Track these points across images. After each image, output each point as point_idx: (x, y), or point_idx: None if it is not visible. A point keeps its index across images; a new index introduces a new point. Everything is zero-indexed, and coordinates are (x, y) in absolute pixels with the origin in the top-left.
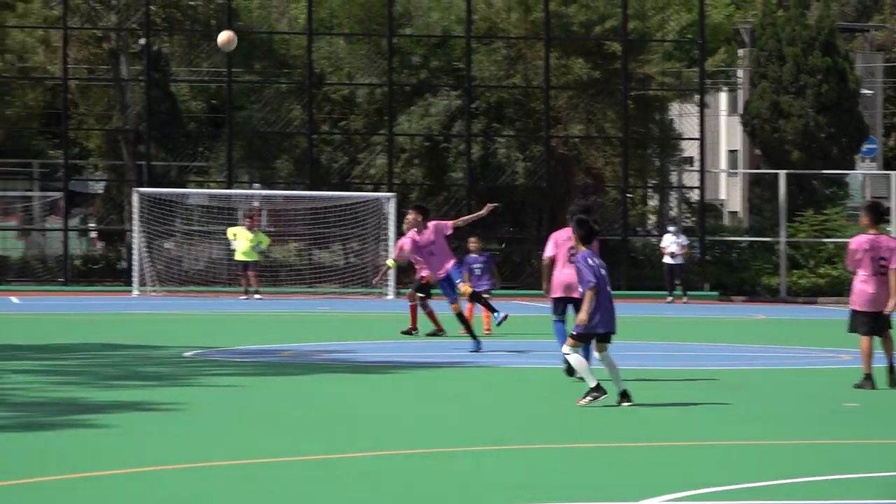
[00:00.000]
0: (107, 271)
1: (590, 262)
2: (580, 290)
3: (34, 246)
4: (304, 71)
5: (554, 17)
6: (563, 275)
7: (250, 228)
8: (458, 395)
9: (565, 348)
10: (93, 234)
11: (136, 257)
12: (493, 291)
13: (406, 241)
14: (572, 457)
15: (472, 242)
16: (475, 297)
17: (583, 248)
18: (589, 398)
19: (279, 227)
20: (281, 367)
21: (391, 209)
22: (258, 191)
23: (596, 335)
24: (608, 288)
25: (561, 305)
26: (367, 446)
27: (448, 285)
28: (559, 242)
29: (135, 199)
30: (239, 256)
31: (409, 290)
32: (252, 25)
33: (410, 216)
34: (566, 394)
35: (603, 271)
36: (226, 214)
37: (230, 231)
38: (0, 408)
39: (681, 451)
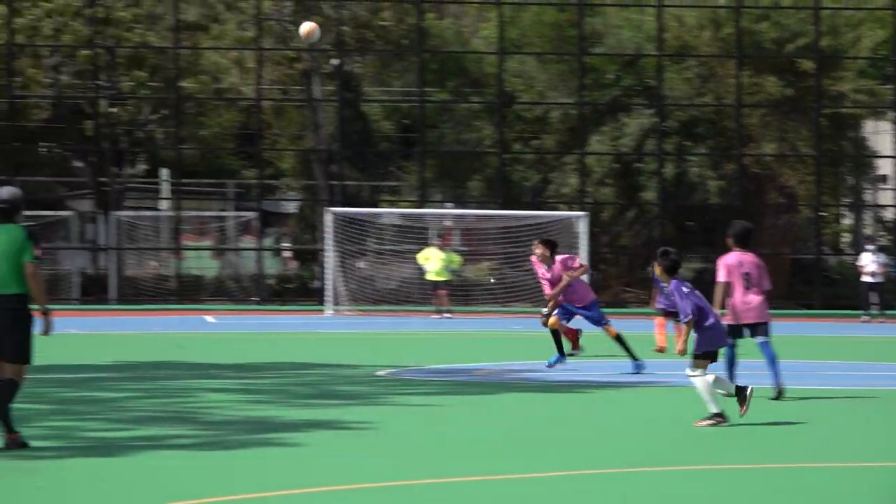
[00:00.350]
0: (300, 290)
1: (684, 289)
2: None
3: (228, 265)
4: (496, 90)
5: (745, 34)
6: (741, 301)
7: (442, 248)
8: (658, 417)
9: (688, 370)
10: (286, 254)
11: (329, 276)
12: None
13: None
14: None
15: (657, 265)
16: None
17: (671, 280)
18: (709, 422)
19: (471, 246)
20: (473, 386)
21: (583, 228)
22: (450, 210)
23: (714, 353)
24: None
25: (737, 330)
26: (560, 465)
27: (592, 312)
28: (731, 268)
29: (328, 218)
30: (431, 276)
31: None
32: (443, 44)
33: (539, 250)
34: (755, 414)
35: (697, 295)
36: (417, 233)
37: (420, 256)
38: (195, 426)
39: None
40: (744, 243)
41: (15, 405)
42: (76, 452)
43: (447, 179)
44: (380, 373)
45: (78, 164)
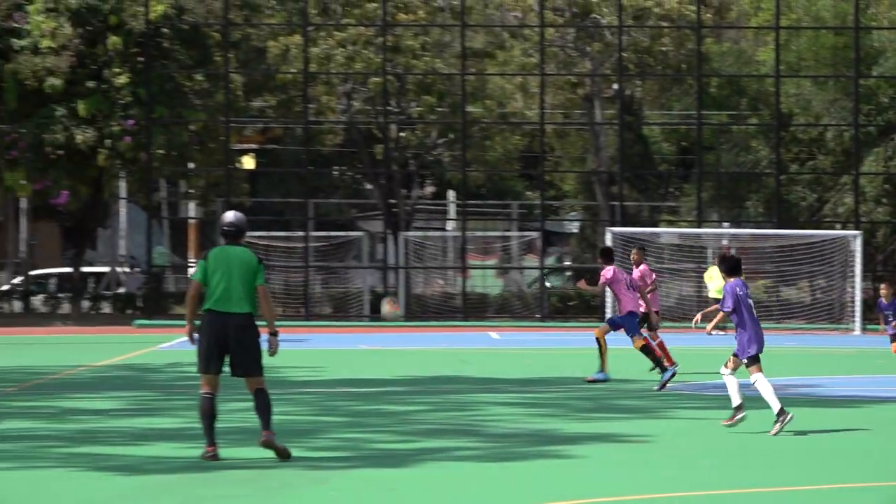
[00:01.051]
0: (582, 308)
1: (738, 291)
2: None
3: (512, 283)
4: (772, 112)
5: None
6: None
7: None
8: None
9: (723, 370)
10: (568, 272)
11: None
12: None
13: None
14: None
15: (883, 289)
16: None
17: (730, 279)
18: (778, 426)
19: (747, 265)
20: (750, 400)
21: (857, 247)
22: (726, 230)
23: (749, 357)
24: (754, 313)
25: None
26: (833, 478)
27: (633, 321)
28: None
29: (608, 237)
30: (712, 294)
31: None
32: (722, 68)
33: (636, 255)
34: None
35: (750, 300)
36: (696, 253)
37: (707, 274)
38: (478, 438)
39: None
40: None
41: (307, 418)
42: (366, 463)
43: (724, 200)
44: (658, 388)
45: (369, 186)
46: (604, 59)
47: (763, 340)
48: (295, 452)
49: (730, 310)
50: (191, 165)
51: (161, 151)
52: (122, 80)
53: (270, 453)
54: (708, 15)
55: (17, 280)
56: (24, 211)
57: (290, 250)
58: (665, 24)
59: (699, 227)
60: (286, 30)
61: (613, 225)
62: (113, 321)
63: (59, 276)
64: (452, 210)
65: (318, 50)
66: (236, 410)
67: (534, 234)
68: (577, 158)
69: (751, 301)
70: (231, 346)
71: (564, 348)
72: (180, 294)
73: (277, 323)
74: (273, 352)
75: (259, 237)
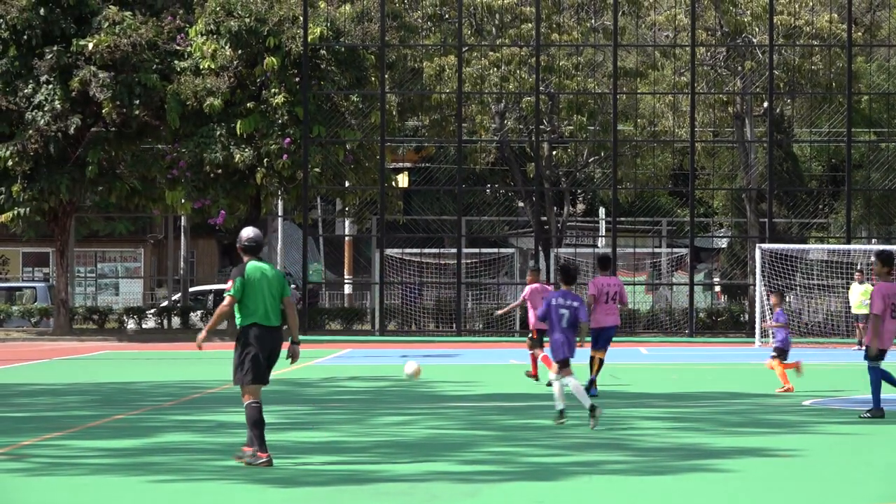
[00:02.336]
0: (730, 323)
1: (553, 301)
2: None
3: (661, 299)
4: None
5: None
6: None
7: (861, 282)
8: None
9: (551, 375)
10: (717, 288)
11: (758, 310)
12: None
13: None
14: None
15: None
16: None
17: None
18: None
19: None
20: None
21: None
22: (874, 246)
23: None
24: (563, 322)
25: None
26: None
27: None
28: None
29: (757, 254)
30: (854, 310)
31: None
32: (872, 86)
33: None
34: None
35: (562, 311)
36: (845, 269)
37: (850, 291)
38: (628, 452)
39: None
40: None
41: (458, 432)
42: (516, 476)
43: (874, 217)
44: (805, 402)
45: (520, 204)
46: (754, 78)
47: (564, 347)
48: (446, 466)
49: (542, 317)
50: (346, 184)
51: (317, 170)
52: (280, 100)
53: (424, 467)
54: (858, 34)
55: (177, 296)
56: (183, 229)
57: (442, 267)
58: (815, 42)
59: (848, 243)
60: (441, 50)
61: (763, 241)
62: None
63: (217, 292)
64: (603, 227)
65: (472, 70)
66: (389, 424)
67: (683, 251)
68: (726, 176)
69: (563, 311)
70: (274, 358)
71: (712, 364)
72: (335, 310)
73: (429, 339)
74: (294, 359)
75: (412, 254)
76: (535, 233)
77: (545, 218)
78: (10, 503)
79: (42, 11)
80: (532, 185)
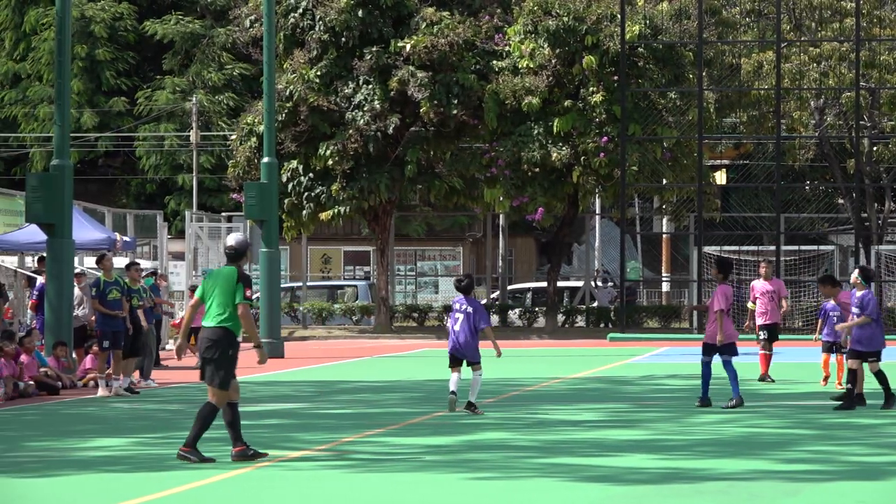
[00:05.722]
0: None
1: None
2: None
3: None
4: None
5: None
6: None
7: None
8: None
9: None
10: None
11: None
12: None
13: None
14: None
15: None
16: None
17: None
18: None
19: None
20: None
21: None
22: None
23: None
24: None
25: None
26: None
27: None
28: None
29: None
30: None
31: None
32: None
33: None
34: None
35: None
36: None
37: None
38: None
39: None
40: None
41: (779, 430)
42: (838, 476)
43: None
44: None
45: (840, 200)
46: None
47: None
48: (766, 465)
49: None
50: (664, 181)
51: (634, 168)
52: (598, 98)
53: (743, 465)
54: None
55: (495, 294)
56: (501, 227)
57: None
58: None
59: None
60: (759, 46)
61: None
62: (587, 335)
63: (535, 290)
64: None
65: (791, 66)
66: (708, 423)
67: None
68: None
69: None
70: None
71: None
72: (653, 308)
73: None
74: (260, 362)
75: (730, 252)
76: (855, 229)
77: (865, 214)
78: (330, 496)
79: (360, 13)
80: (852, 181)
